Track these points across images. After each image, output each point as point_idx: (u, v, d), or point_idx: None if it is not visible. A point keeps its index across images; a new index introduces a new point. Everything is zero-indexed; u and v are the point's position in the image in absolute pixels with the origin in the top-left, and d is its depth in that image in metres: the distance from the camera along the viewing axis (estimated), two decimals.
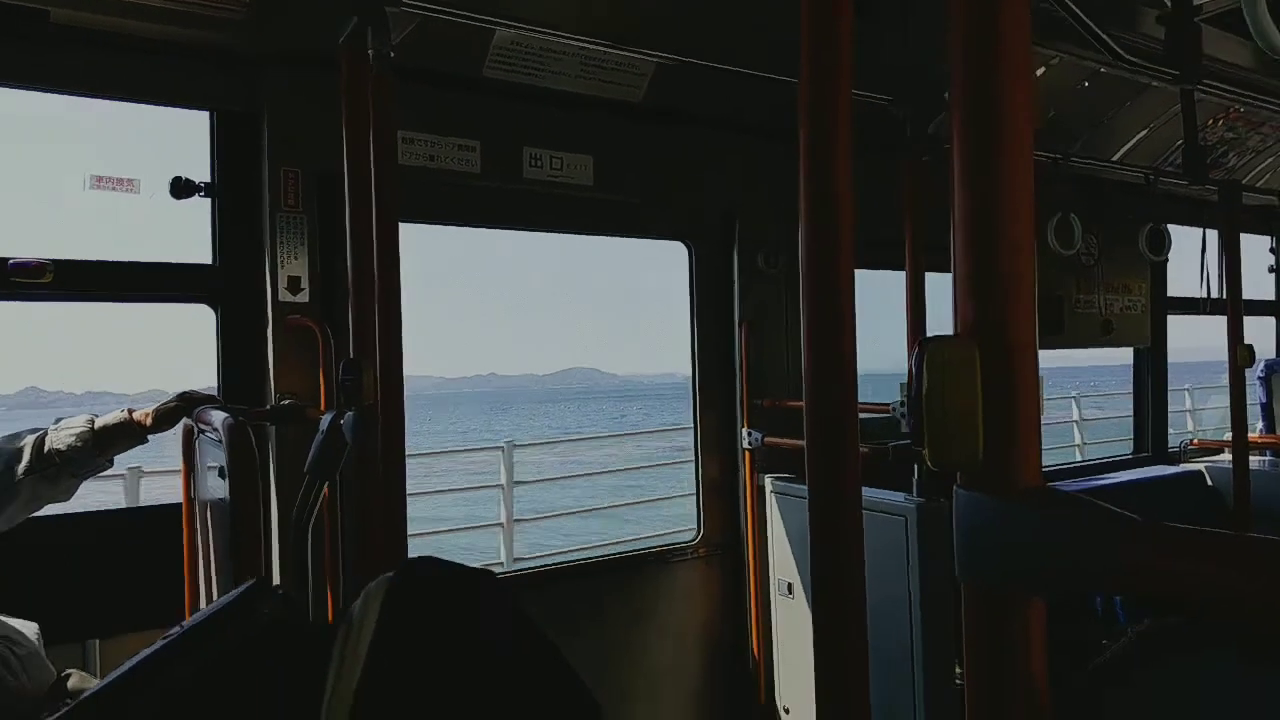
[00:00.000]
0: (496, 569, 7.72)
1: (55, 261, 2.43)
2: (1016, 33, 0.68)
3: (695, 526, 3.64)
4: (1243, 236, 3.96)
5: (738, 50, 2.78)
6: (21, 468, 2.15)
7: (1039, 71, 3.32)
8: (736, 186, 3.49)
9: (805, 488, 3.43)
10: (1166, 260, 4.65)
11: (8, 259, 2.37)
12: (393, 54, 1.91)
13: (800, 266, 1.03)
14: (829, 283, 1.00)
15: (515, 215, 3.24)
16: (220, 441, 2.02)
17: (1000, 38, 0.69)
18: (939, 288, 3.14)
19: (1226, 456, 4.25)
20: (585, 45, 2.71)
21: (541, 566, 3.81)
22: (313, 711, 0.79)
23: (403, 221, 2.06)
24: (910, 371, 0.73)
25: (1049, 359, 5.83)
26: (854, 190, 1.01)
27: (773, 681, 3.50)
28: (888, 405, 3.07)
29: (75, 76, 2.49)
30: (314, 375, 2.61)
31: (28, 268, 2.40)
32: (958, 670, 2.92)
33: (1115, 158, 4.01)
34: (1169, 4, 2.18)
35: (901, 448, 3.05)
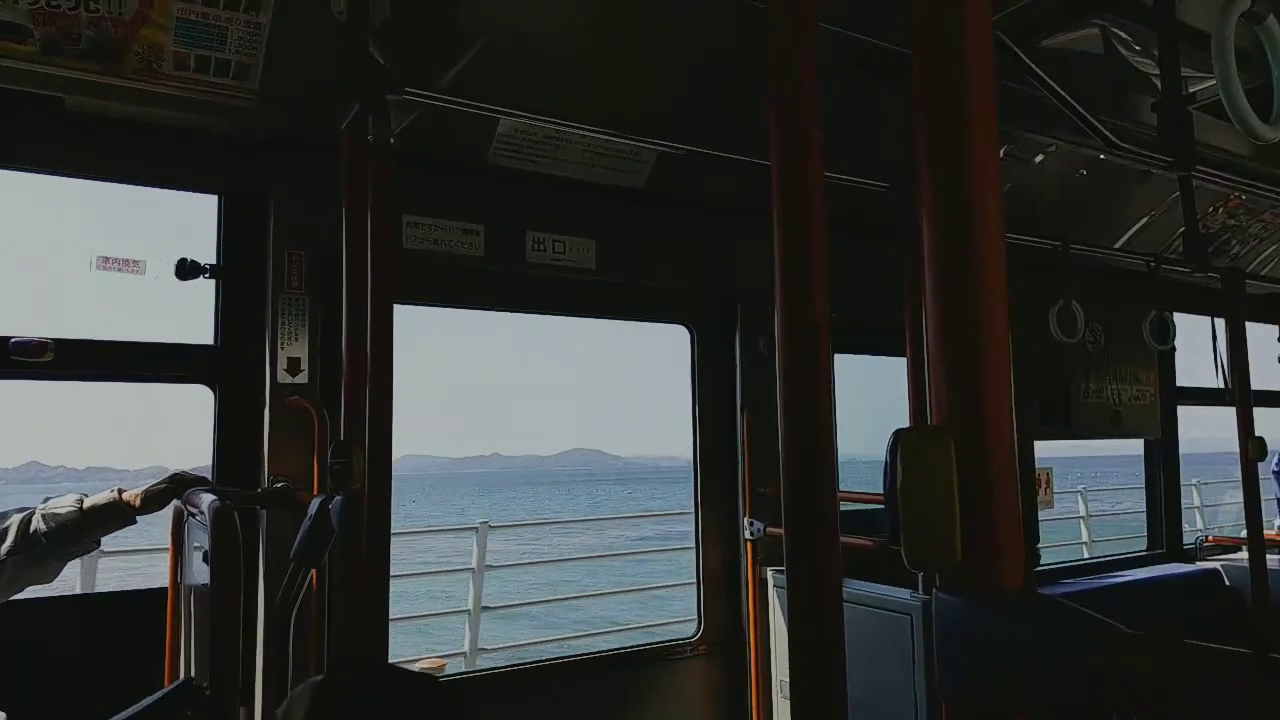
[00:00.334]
0: (458, 662, 7.31)
1: (56, 340, 2.44)
2: (980, 123, 0.68)
3: (695, 621, 3.53)
4: (1252, 325, 3.94)
5: (738, 138, 2.83)
6: (5, 548, 2.12)
7: (1037, 159, 3.36)
8: (738, 270, 3.50)
9: None
10: (1173, 349, 4.62)
11: (9, 338, 2.39)
12: (393, 140, 1.94)
13: (777, 351, 1.01)
14: (806, 366, 0.98)
15: (519, 298, 3.25)
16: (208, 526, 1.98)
17: (965, 123, 0.68)
18: None
19: (1244, 554, 4.13)
20: (588, 134, 2.76)
21: (520, 664, 3.67)
22: None
23: (407, 303, 2.07)
24: (885, 464, 0.70)
25: (1059, 449, 5.75)
26: (827, 273, 1.00)
27: None
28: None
29: (89, 161, 2.55)
30: (309, 458, 2.59)
31: (29, 346, 2.41)
32: None
33: (1118, 245, 4.03)
34: (1160, 92, 2.21)
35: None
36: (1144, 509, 5.06)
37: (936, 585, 0.70)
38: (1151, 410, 4.76)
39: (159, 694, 0.91)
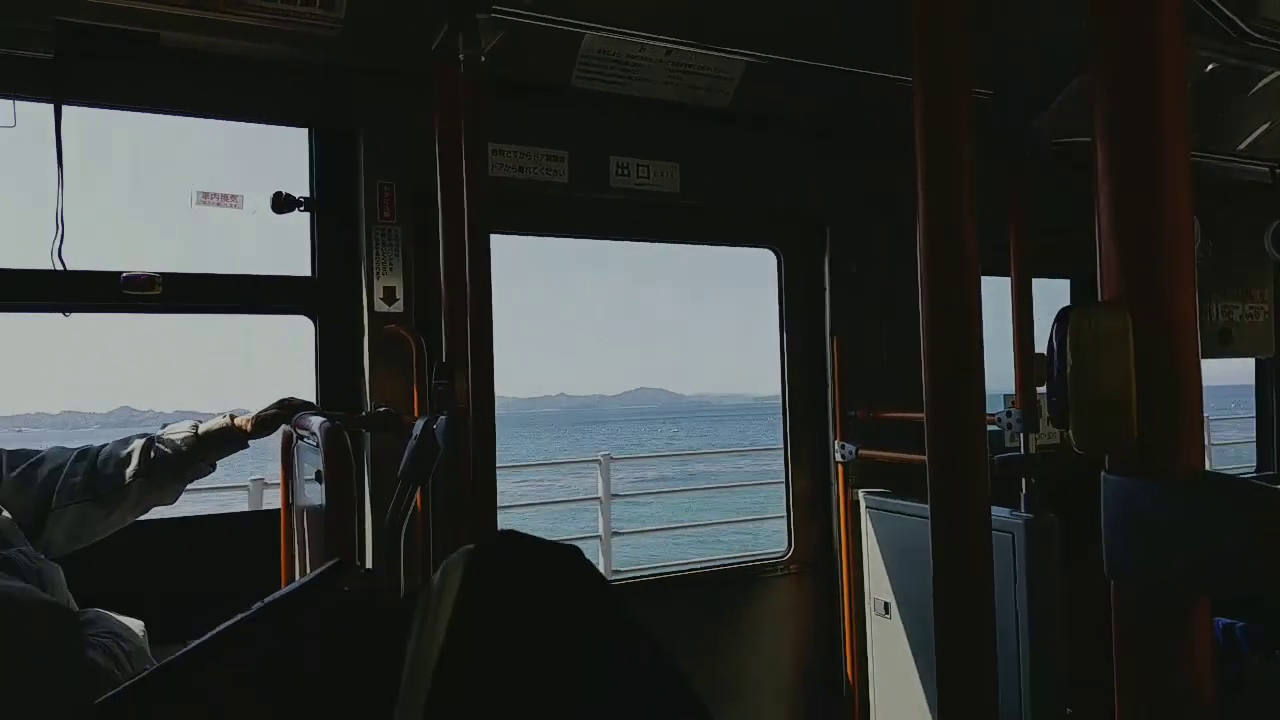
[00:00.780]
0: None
1: (163, 275, 2.52)
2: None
3: (786, 540, 3.55)
4: None
5: (826, 49, 2.72)
6: (130, 471, 2.22)
7: None
8: (828, 192, 3.41)
9: (904, 503, 3.31)
10: None
11: (121, 273, 2.48)
12: (484, 59, 1.92)
13: (920, 276, 0.97)
14: (954, 288, 0.94)
15: (602, 224, 3.23)
16: (318, 447, 2.05)
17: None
18: (1041, 296, 3.00)
19: None
20: (672, 46, 2.69)
21: (627, 579, 3.76)
22: (392, 682, 0.77)
23: (492, 233, 2.07)
24: (1051, 346, 0.66)
25: None
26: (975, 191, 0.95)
27: (868, 706, 3.36)
28: (993, 416, 2.93)
29: (183, 97, 2.59)
30: (407, 384, 2.64)
31: (138, 281, 2.50)
32: (1068, 711, 2.75)
33: (1235, 152, 3.77)
34: None
35: (1008, 461, 2.91)
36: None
37: (1107, 470, 0.66)
38: (1265, 328, 4.51)
39: (316, 571, 0.95)
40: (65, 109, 2.43)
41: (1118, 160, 0.64)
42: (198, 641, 0.97)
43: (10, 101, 2.38)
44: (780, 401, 3.55)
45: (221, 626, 0.96)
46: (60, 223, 2.42)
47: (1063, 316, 0.65)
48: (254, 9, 2.34)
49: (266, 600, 0.97)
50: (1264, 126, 3.73)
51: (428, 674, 0.74)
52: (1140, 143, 0.64)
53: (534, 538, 0.80)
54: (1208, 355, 4.35)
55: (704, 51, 2.77)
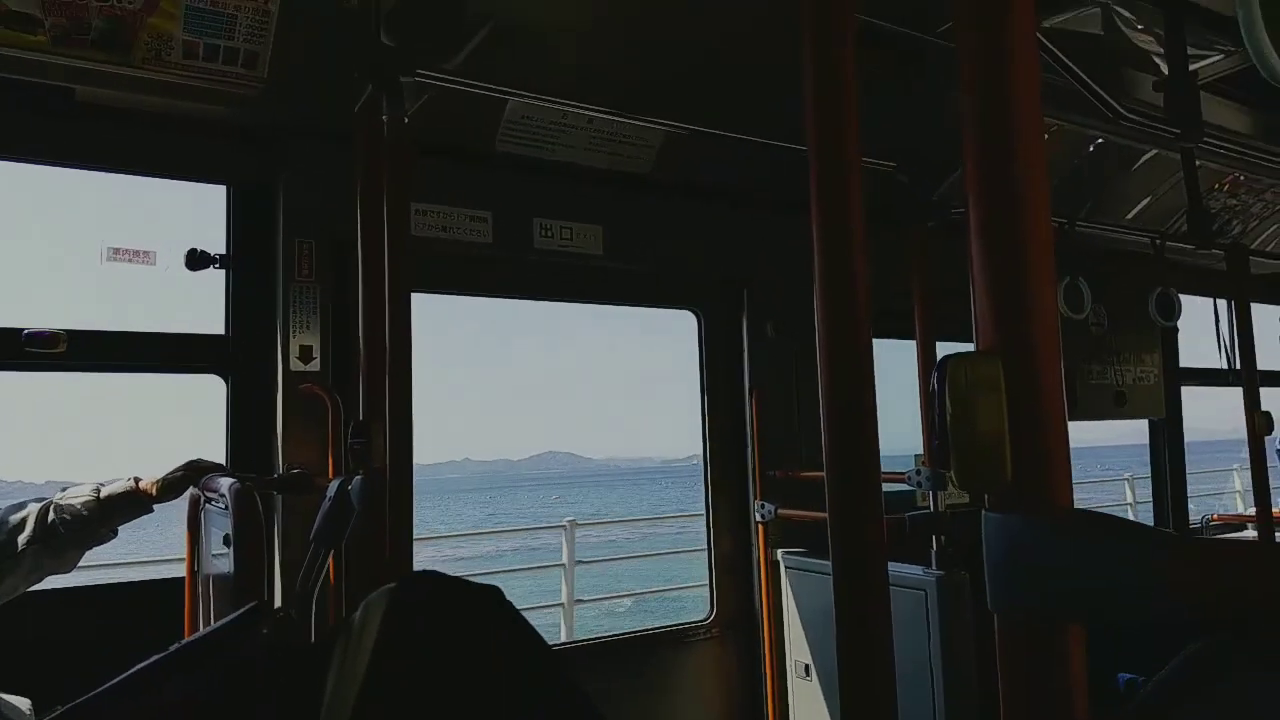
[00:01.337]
0: None
1: (69, 331, 2.45)
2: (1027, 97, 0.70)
3: (708, 603, 3.55)
4: (1255, 308, 3.95)
5: (743, 120, 2.84)
6: (24, 537, 2.12)
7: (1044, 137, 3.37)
8: (745, 255, 3.52)
9: (821, 563, 3.35)
10: (1177, 328, 4.64)
11: (23, 329, 2.40)
12: (407, 120, 1.95)
13: (817, 336, 1.03)
14: (847, 350, 1.00)
15: (526, 285, 3.27)
16: (226, 509, 1.99)
17: (1009, 101, 0.70)
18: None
19: (1250, 533, 4.13)
20: (594, 115, 2.77)
21: (555, 644, 3.69)
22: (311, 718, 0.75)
23: (414, 291, 2.08)
24: (932, 391, 0.71)
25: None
26: (868, 256, 1.01)
27: None
28: (903, 474, 3.02)
29: (99, 152, 2.55)
30: (321, 446, 2.60)
31: (42, 337, 2.42)
32: None
33: (1122, 223, 4.05)
34: (1165, 70, 2.23)
35: (919, 519, 2.99)
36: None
37: (985, 506, 0.71)
38: (1156, 391, 4.78)
39: (231, 615, 0.93)
40: None
41: (985, 223, 0.71)
42: (112, 682, 0.93)
43: None
44: (699, 463, 3.60)
45: (137, 667, 0.92)
46: None
47: (942, 365, 0.70)
48: (175, 66, 2.34)
49: (183, 642, 0.94)
50: (1146, 200, 4.02)
51: (347, 708, 0.73)
52: (1005, 208, 0.71)
53: (454, 577, 0.81)
54: (1105, 417, 4.58)
55: (625, 120, 2.87)
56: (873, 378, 0.97)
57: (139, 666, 0.92)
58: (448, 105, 2.53)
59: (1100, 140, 3.48)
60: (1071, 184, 3.66)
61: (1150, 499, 5.15)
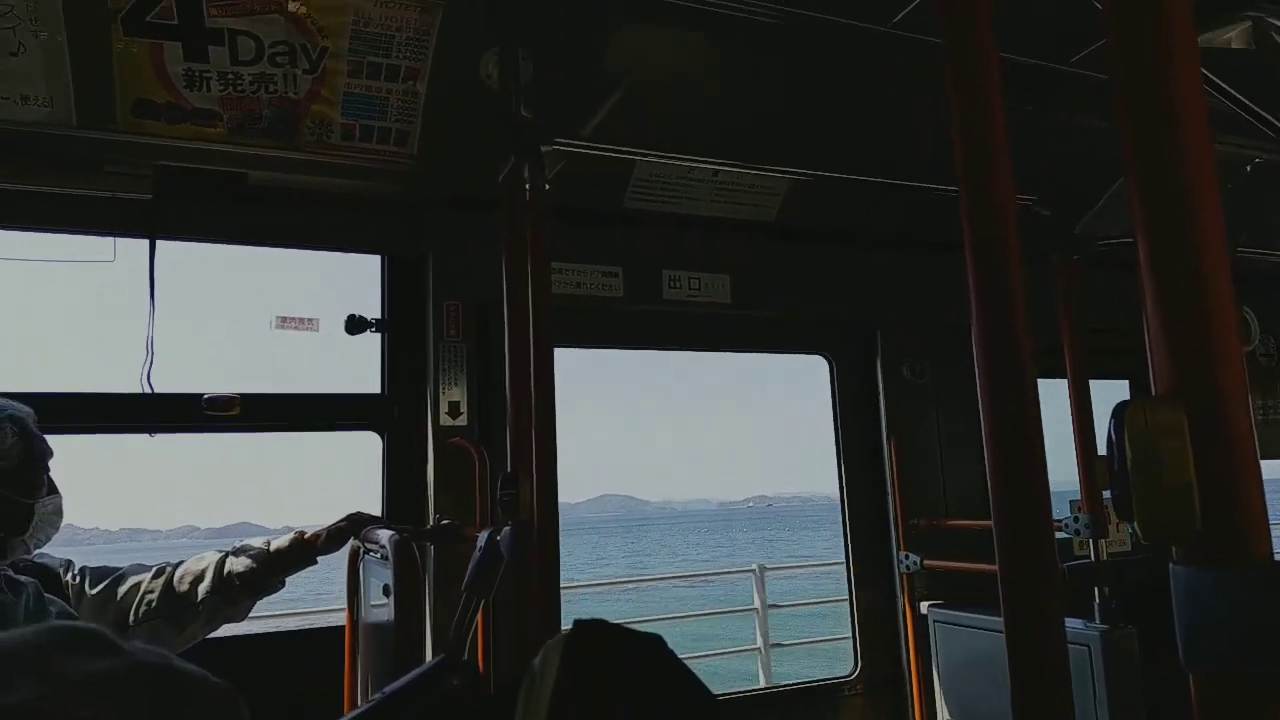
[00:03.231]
0: None
1: (242, 395, 2.65)
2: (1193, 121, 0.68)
3: (852, 659, 3.44)
4: None
5: (867, 162, 2.83)
6: (204, 588, 2.28)
7: None
8: (875, 297, 3.47)
9: (974, 616, 3.19)
10: None
11: (203, 394, 2.62)
12: (548, 187, 2.05)
13: (978, 380, 1.00)
14: (1011, 394, 0.96)
15: (656, 335, 3.32)
16: (385, 560, 2.09)
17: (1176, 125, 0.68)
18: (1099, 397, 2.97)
19: None
20: (718, 168, 2.83)
21: None
22: None
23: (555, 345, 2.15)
24: (1110, 440, 0.69)
25: None
26: (1025, 298, 0.99)
27: None
28: (1059, 521, 2.87)
29: (265, 229, 2.79)
30: (468, 497, 2.70)
31: (219, 402, 2.63)
32: None
33: None
34: None
35: (1079, 569, 2.83)
36: None
37: (1173, 559, 0.68)
38: None
39: (425, 666, 1.00)
40: (159, 244, 2.63)
41: (1157, 259, 0.69)
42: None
43: (111, 239, 2.58)
44: (839, 509, 3.52)
45: (358, 710, 1.00)
46: (150, 349, 2.57)
47: (1119, 411, 0.68)
48: (335, 148, 2.54)
49: (389, 690, 1.01)
50: None
51: None
52: (1177, 241, 0.69)
53: (620, 625, 0.85)
54: (1277, 457, 4.21)
55: (749, 171, 2.91)
56: (1039, 421, 0.94)
57: (357, 711, 0.99)
58: (580, 167, 2.64)
59: (1259, 160, 3.27)
60: (1228, 209, 3.44)
61: None
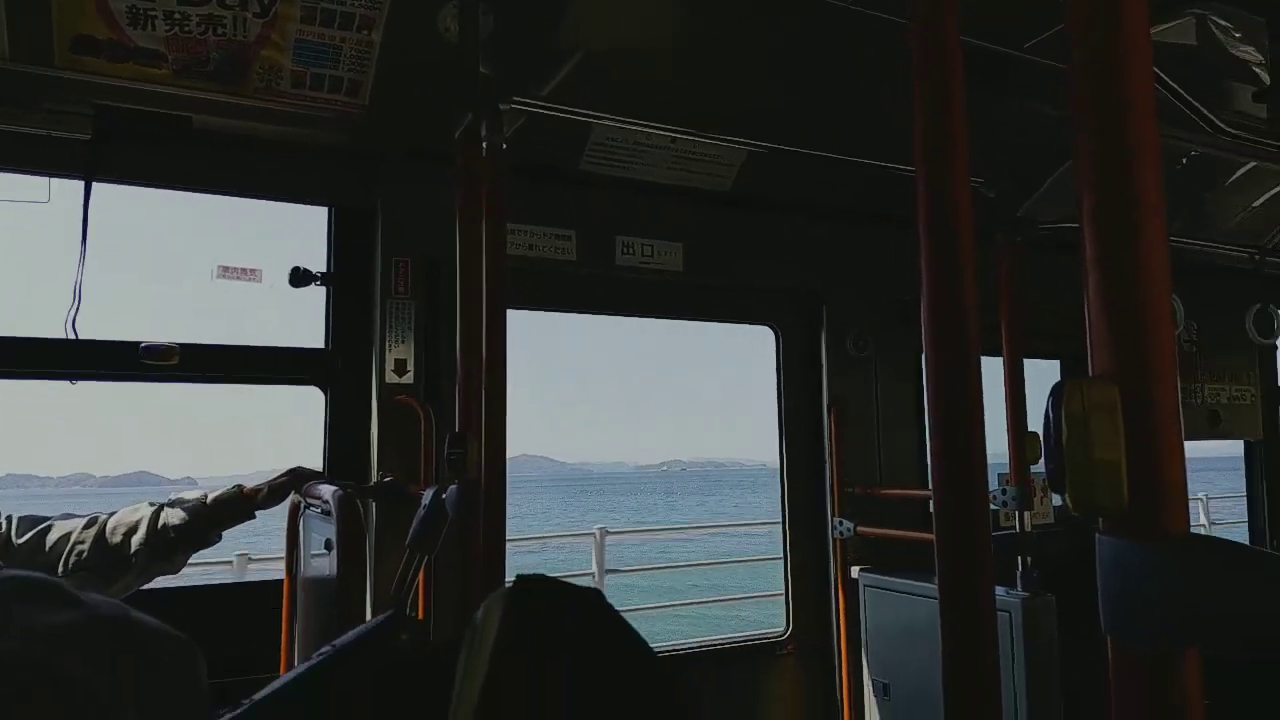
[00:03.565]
0: None
1: (181, 345, 2.59)
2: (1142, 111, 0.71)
3: (785, 622, 3.54)
4: None
5: (824, 137, 2.86)
6: (137, 540, 2.24)
7: None
8: (824, 270, 3.53)
9: (903, 581, 3.30)
10: (1276, 345, 4.47)
11: (140, 343, 2.55)
12: (505, 146, 2.03)
13: (925, 355, 1.04)
14: (956, 369, 1.00)
15: (608, 301, 3.33)
16: (327, 515, 2.08)
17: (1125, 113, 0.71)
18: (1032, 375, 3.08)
19: None
20: (676, 135, 2.83)
21: None
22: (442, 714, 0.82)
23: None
24: (1047, 417, 0.73)
25: None
26: (975, 277, 1.02)
27: None
28: (989, 494, 2.97)
29: (209, 176, 2.71)
30: (414, 454, 2.69)
31: (157, 351, 2.57)
32: None
33: (1218, 238, 3.92)
34: (1267, 80, 2.17)
35: (1003, 539, 2.95)
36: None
37: (1100, 531, 0.72)
38: (1252, 411, 4.60)
39: (373, 621, 1.02)
40: (95, 186, 2.54)
41: (1102, 245, 0.72)
42: (278, 683, 1.02)
43: (45, 179, 2.48)
44: (777, 475, 3.60)
45: (307, 664, 1.01)
46: (78, 294, 2.49)
47: (1058, 389, 0.72)
48: (284, 95, 2.47)
49: (337, 644, 1.02)
50: (1241, 214, 3.88)
51: (472, 704, 0.79)
52: (1122, 227, 0.72)
53: (560, 580, 0.88)
54: (1196, 437, 4.43)
55: (706, 140, 2.91)
56: (981, 397, 0.98)
57: (309, 663, 1.00)
58: (536, 128, 2.62)
59: (1194, 153, 3.39)
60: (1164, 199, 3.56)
61: (1244, 522, 4.94)
